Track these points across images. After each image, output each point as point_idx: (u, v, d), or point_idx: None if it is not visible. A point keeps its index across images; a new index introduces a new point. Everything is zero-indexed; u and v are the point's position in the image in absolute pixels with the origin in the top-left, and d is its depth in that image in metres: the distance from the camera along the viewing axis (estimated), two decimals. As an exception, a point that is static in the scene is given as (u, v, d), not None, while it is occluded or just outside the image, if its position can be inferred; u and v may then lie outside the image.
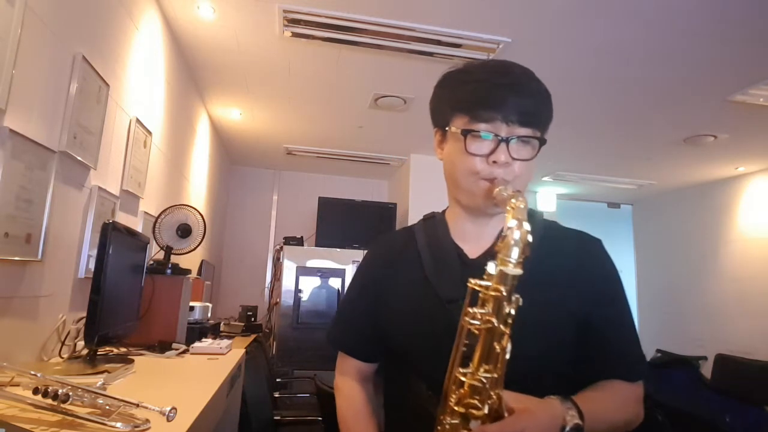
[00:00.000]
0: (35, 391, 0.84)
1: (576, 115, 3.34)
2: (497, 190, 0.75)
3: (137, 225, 2.19)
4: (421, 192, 4.44)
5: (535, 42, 2.45)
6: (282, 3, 2.23)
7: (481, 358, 0.66)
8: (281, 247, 4.29)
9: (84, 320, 1.31)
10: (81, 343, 1.48)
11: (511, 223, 0.66)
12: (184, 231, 2.13)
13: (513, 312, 0.65)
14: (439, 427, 0.69)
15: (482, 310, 0.66)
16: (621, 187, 5.19)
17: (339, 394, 0.95)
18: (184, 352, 1.77)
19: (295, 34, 2.48)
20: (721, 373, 3.89)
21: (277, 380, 3.39)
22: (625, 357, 0.82)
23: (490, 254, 0.82)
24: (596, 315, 0.81)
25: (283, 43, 2.60)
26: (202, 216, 2.19)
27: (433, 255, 0.87)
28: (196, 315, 2.28)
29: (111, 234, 1.33)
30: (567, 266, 0.82)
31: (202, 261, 3.60)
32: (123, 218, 2.00)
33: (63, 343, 1.49)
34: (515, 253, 0.65)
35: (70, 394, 0.84)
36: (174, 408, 0.87)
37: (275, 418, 2.43)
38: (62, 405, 0.83)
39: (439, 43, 2.48)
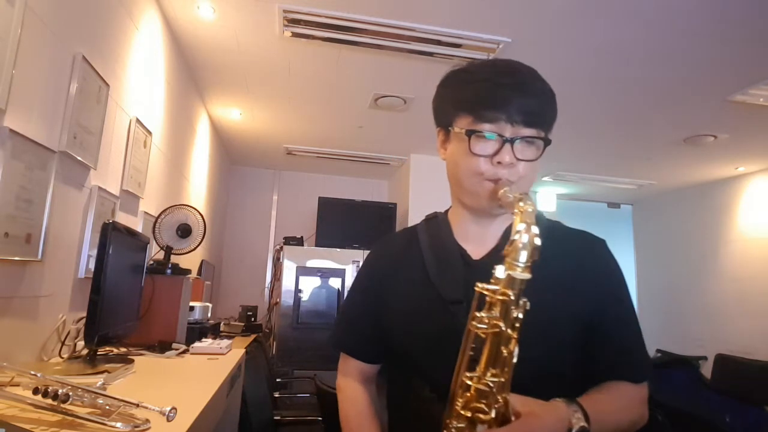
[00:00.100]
0: (35, 391, 0.84)
1: (576, 115, 3.34)
2: (502, 191, 0.74)
3: (137, 225, 2.19)
4: (421, 192, 4.44)
5: (535, 42, 2.45)
6: (282, 3, 2.23)
7: (488, 362, 0.66)
8: (281, 247, 4.29)
9: (84, 320, 1.31)
10: (81, 343, 1.48)
11: (520, 226, 0.66)
12: (184, 231, 2.13)
13: (521, 316, 0.65)
14: (444, 431, 0.69)
15: (489, 314, 0.66)
16: (621, 187, 5.19)
17: (342, 395, 0.94)
18: (184, 352, 1.77)
19: (295, 34, 2.48)
20: (721, 373, 3.89)
21: (277, 380, 3.39)
22: (630, 358, 0.82)
23: (494, 255, 0.82)
24: (601, 316, 0.81)
25: (283, 43, 2.60)
26: (202, 216, 2.19)
27: (436, 256, 0.87)
28: (196, 315, 2.28)
29: (111, 234, 1.33)
30: (571, 267, 0.82)
31: (202, 261, 3.60)
32: (123, 218, 2.00)
33: (63, 343, 1.49)
34: (524, 257, 0.64)
35: (70, 394, 0.84)
36: (174, 408, 0.87)
37: (275, 418, 2.43)
38: (62, 405, 0.83)
39: (439, 43, 2.48)
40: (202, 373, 1.53)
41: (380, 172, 5.27)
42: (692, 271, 4.97)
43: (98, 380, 1.12)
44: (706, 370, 4.12)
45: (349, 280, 4.12)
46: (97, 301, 1.27)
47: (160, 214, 2.14)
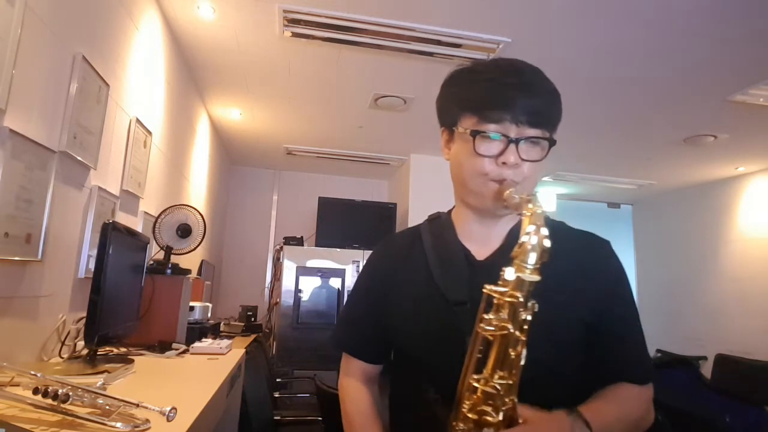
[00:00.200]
0: (35, 391, 0.84)
1: (576, 115, 3.34)
2: (508, 192, 0.74)
3: (137, 225, 2.19)
4: (421, 192, 4.44)
5: (535, 42, 2.45)
6: (282, 3, 2.23)
7: (495, 364, 0.66)
8: (281, 247, 4.29)
9: (84, 320, 1.31)
10: (81, 343, 1.48)
11: (529, 228, 0.65)
12: (184, 231, 2.13)
13: (529, 318, 0.65)
14: None
15: (498, 316, 0.65)
16: (621, 187, 5.19)
17: (344, 395, 0.94)
18: (184, 352, 1.77)
19: (295, 34, 2.48)
20: (721, 373, 3.89)
21: (277, 380, 3.39)
22: (634, 360, 0.82)
23: (498, 256, 0.82)
24: (606, 318, 0.81)
25: (283, 43, 2.60)
26: (202, 216, 2.19)
27: (440, 256, 0.86)
28: (196, 315, 2.28)
29: (111, 234, 1.33)
30: (576, 268, 0.81)
31: (202, 261, 3.60)
32: (123, 218, 2.00)
33: (63, 343, 1.49)
34: (533, 259, 0.64)
35: (70, 394, 0.84)
36: (174, 408, 0.87)
37: (275, 418, 2.43)
38: (62, 405, 0.83)
39: (439, 43, 2.48)
40: (202, 373, 1.53)
41: (380, 172, 5.27)
42: (692, 271, 4.97)
43: (98, 380, 1.12)
44: (706, 370, 4.12)
45: (349, 280, 4.12)
46: (97, 301, 1.27)
47: (160, 214, 2.14)
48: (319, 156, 4.73)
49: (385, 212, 4.63)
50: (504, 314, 0.65)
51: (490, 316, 0.66)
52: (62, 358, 1.45)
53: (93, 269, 1.36)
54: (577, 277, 0.81)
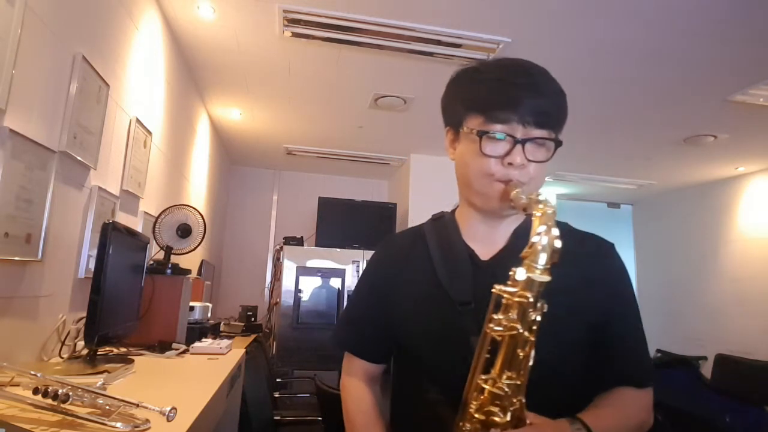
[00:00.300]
0: (35, 391, 0.84)
1: (576, 114, 3.31)
2: (515, 193, 0.73)
3: (137, 225, 2.19)
4: (421, 192, 4.44)
5: (534, 42, 2.45)
6: (282, 3, 2.23)
7: (503, 364, 0.66)
8: (281, 247, 4.29)
9: (84, 320, 1.31)
10: (81, 343, 1.48)
11: (540, 228, 0.65)
12: (184, 231, 2.13)
13: (538, 318, 0.65)
14: None
15: (507, 317, 0.65)
16: (621, 187, 5.19)
17: (346, 394, 0.93)
18: (184, 352, 1.77)
19: (295, 34, 2.48)
20: (721, 373, 3.89)
21: (277, 380, 3.39)
22: (636, 363, 0.82)
23: (502, 256, 0.82)
24: (609, 320, 0.81)
25: (283, 43, 2.60)
26: (202, 216, 2.19)
27: (444, 256, 0.86)
28: (196, 315, 2.28)
29: (111, 234, 1.33)
30: (581, 270, 0.81)
31: (202, 261, 3.60)
32: (123, 218, 2.00)
33: (63, 343, 1.49)
34: (543, 260, 0.64)
35: (70, 394, 0.84)
36: (174, 408, 0.87)
37: (275, 418, 2.43)
38: (62, 405, 0.83)
39: (439, 43, 2.48)
40: (202, 373, 1.53)
41: (380, 172, 5.27)
42: (692, 271, 4.97)
43: (98, 380, 1.12)
44: (706, 370, 4.12)
45: (349, 280, 4.12)
46: (97, 301, 1.27)
47: (160, 214, 2.14)
48: (319, 156, 4.73)
49: (385, 212, 4.63)
50: (513, 314, 0.65)
51: (499, 316, 0.66)
52: (62, 358, 1.45)
53: (93, 269, 1.36)
54: (582, 279, 0.80)
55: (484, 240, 0.86)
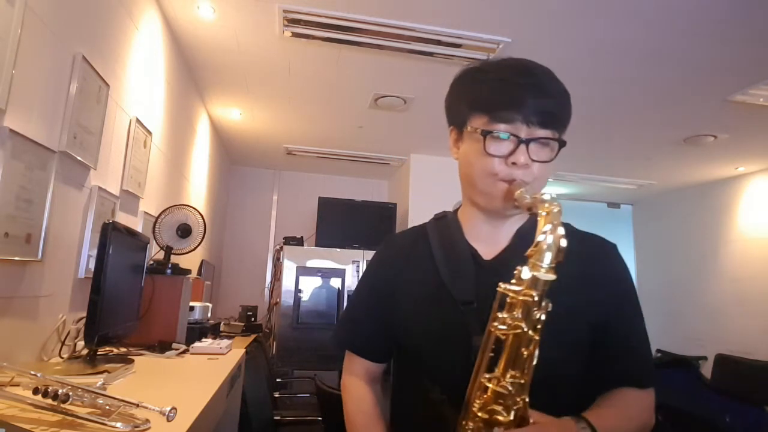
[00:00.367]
0: (35, 391, 0.84)
1: (576, 115, 3.30)
2: (519, 192, 0.73)
3: (137, 225, 2.19)
4: (421, 192, 4.43)
5: (534, 42, 2.45)
6: (282, 3, 2.23)
7: (507, 363, 0.66)
8: (281, 247, 4.29)
9: (84, 320, 1.31)
10: (81, 343, 1.48)
11: (546, 227, 0.65)
12: (184, 231, 2.13)
13: (543, 317, 0.65)
14: None
15: (511, 315, 0.65)
16: (621, 187, 5.19)
17: (347, 394, 0.93)
18: (184, 352, 1.76)
19: (295, 34, 2.48)
20: (721, 373, 3.89)
21: (277, 380, 3.39)
22: (638, 364, 0.82)
23: (505, 256, 0.82)
24: (612, 321, 0.81)
25: (283, 43, 2.60)
26: (202, 216, 2.19)
27: (447, 256, 0.86)
28: (196, 315, 2.28)
29: (111, 234, 1.33)
30: (583, 270, 0.81)
31: (202, 261, 3.60)
32: (123, 218, 2.00)
33: (63, 343, 1.49)
34: (548, 258, 0.64)
35: (70, 394, 0.84)
36: (174, 408, 0.87)
37: (275, 418, 2.43)
38: (62, 405, 0.83)
39: (439, 43, 2.48)
40: (202, 373, 1.52)
41: (380, 172, 5.27)
42: (692, 271, 4.97)
43: (98, 380, 1.12)
44: (706, 370, 4.12)
45: (349, 280, 4.12)
46: (97, 301, 1.27)
47: (160, 214, 2.14)
48: (319, 156, 4.73)
49: (385, 212, 4.63)
50: (517, 313, 0.65)
51: (504, 314, 0.66)
52: (62, 358, 1.45)
53: (93, 269, 1.36)
54: (585, 280, 0.80)
55: (487, 240, 0.86)
